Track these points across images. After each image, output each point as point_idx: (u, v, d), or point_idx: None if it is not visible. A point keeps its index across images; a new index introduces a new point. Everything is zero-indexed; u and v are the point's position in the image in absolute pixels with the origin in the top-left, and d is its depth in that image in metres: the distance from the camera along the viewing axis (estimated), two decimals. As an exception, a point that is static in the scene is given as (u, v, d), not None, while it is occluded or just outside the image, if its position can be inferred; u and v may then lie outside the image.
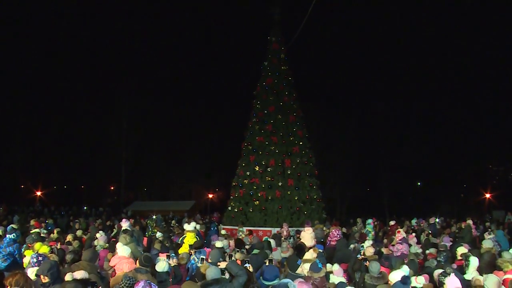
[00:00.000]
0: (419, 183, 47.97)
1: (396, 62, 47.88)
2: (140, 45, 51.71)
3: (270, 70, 19.88)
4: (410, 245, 10.60)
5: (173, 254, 8.47)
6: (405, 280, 5.86)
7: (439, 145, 41.59)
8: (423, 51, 48.38)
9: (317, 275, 6.38)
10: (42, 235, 11.42)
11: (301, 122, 19.74)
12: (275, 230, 15.53)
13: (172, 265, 7.80)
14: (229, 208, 19.04)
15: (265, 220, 17.35)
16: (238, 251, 9.21)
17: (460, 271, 7.19)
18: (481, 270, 7.56)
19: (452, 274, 6.15)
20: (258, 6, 49.34)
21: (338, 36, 51.36)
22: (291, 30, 21.15)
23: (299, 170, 18.36)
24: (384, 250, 10.21)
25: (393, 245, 10.67)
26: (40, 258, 6.44)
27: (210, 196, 42.72)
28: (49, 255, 7.71)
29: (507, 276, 6.49)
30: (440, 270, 6.99)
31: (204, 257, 7.86)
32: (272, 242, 10.55)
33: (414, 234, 12.80)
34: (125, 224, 11.71)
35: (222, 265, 6.35)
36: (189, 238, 10.32)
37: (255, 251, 9.03)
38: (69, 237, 11.35)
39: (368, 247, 9.07)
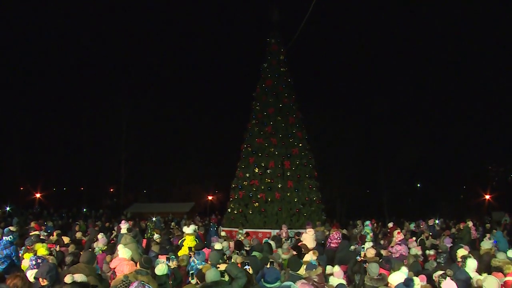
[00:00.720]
0: (418, 185, 47.98)
1: (396, 63, 47.93)
2: (139, 47, 51.69)
3: (269, 72, 19.88)
4: (409, 248, 10.58)
5: (173, 257, 8.46)
6: (408, 282, 5.84)
7: (438, 146, 41.62)
8: (423, 52, 48.50)
9: (314, 273, 6.38)
10: (41, 237, 11.40)
11: (301, 123, 19.74)
12: (274, 232, 15.51)
13: (172, 267, 7.79)
14: (229, 210, 19.02)
15: (264, 222, 17.33)
16: (237, 253, 9.20)
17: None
18: (480, 272, 7.56)
19: (448, 278, 6.14)
20: (257, 8, 49.36)
21: (337, 37, 51.47)
22: (290, 31, 21.15)
23: (299, 172, 18.35)
24: (383, 252, 10.20)
25: (392, 247, 10.66)
26: (39, 261, 6.41)
27: (210, 198, 42.70)
28: (48, 257, 7.69)
29: (508, 278, 6.48)
30: (440, 272, 6.99)
31: (203, 261, 7.84)
32: (272, 244, 10.54)
33: (414, 238, 12.77)
34: (124, 226, 11.70)
35: (222, 267, 6.33)
36: (189, 241, 10.30)
37: (255, 253, 9.02)
38: (67, 239, 11.33)
39: (369, 249, 9.06)
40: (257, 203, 17.71)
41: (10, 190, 37.10)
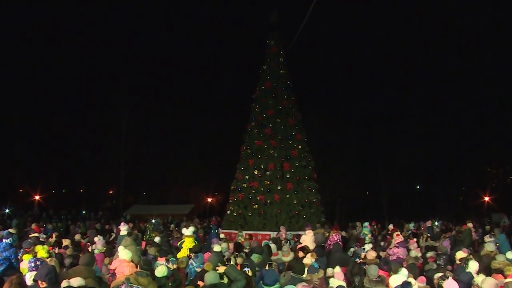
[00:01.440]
0: (418, 186, 48.00)
1: (395, 64, 47.89)
2: (139, 49, 51.66)
3: (269, 74, 19.89)
4: (409, 250, 10.57)
5: (173, 259, 8.46)
6: (406, 285, 5.84)
7: (437, 148, 41.62)
8: (422, 53, 48.44)
9: (315, 276, 6.39)
10: (41, 239, 11.40)
11: (300, 125, 19.74)
12: (274, 234, 15.49)
13: (172, 269, 7.79)
14: (228, 212, 19.01)
15: (264, 224, 17.32)
16: (237, 255, 9.19)
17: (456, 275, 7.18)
18: (480, 273, 7.55)
19: (450, 278, 6.14)
20: (257, 10, 49.40)
21: (337, 39, 51.43)
22: (290, 33, 21.17)
23: (298, 174, 18.35)
24: (382, 253, 10.20)
25: (390, 249, 10.65)
26: (38, 263, 6.42)
27: (209, 200, 42.68)
28: (48, 259, 7.69)
29: (509, 280, 6.48)
30: (440, 274, 6.99)
31: (201, 263, 7.84)
32: (272, 246, 10.52)
33: (415, 239, 12.76)
34: (123, 228, 11.69)
35: (221, 269, 6.34)
36: (188, 243, 10.29)
37: (255, 255, 9.01)
38: (66, 242, 11.32)
39: (369, 251, 9.06)
40: (256, 205, 17.70)
41: (9, 191, 37.06)
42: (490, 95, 43.10)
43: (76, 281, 5.44)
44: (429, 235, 14.81)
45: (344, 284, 7.21)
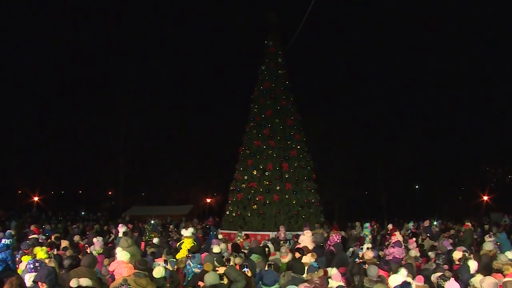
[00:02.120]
0: (417, 186, 48.04)
1: (394, 64, 48.01)
2: (137, 50, 51.68)
3: (267, 74, 19.91)
4: (409, 249, 10.58)
5: (172, 260, 8.45)
6: (406, 285, 5.85)
7: (436, 147, 41.67)
8: (421, 54, 48.49)
9: (316, 275, 6.39)
10: (40, 240, 11.36)
11: (299, 125, 19.76)
12: (273, 234, 15.51)
13: (170, 269, 7.79)
14: (227, 212, 19.02)
15: (263, 224, 17.32)
16: (236, 255, 9.19)
17: (456, 275, 7.19)
18: (479, 273, 7.56)
19: (452, 279, 6.16)
20: (255, 11, 49.45)
21: (335, 39, 51.51)
22: (288, 34, 21.21)
23: (297, 174, 18.36)
24: (381, 253, 10.21)
25: (387, 249, 10.66)
26: (36, 264, 6.40)
27: (208, 200, 42.66)
28: (47, 260, 7.67)
29: (507, 279, 6.49)
30: (439, 273, 7.00)
31: (199, 264, 7.84)
32: (271, 246, 10.52)
33: (414, 238, 12.77)
34: (122, 229, 11.68)
35: (221, 270, 6.34)
36: (187, 244, 10.28)
37: (254, 255, 9.01)
38: (65, 243, 11.30)
39: (367, 251, 9.07)
40: (255, 206, 17.71)
41: (8, 193, 37.01)
42: (489, 95, 43.23)
43: (85, 281, 5.44)
44: (428, 235, 14.83)
45: (343, 284, 7.23)
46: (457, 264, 8.32)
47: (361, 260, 8.56)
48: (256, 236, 15.85)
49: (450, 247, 11.13)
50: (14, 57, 40.68)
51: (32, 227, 15.38)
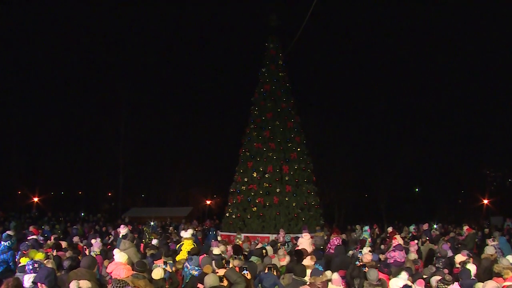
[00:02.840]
0: (417, 189, 47.99)
1: (393, 67, 48.07)
2: (137, 53, 51.71)
3: (268, 77, 19.94)
4: (408, 252, 10.55)
5: (171, 262, 8.43)
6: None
7: (436, 151, 41.65)
8: (420, 56, 48.64)
9: (319, 279, 6.37)
10: (39, 241, 11.35)
11: (299, 128, 19.77)
12: (273, 237, 15.50)
13: (169, 271, 7.77)
14: (227, 214, 19.01)
15: (263, 227, 17.32)
16: (236, 257, 9.17)
17: (456, 278, 7.18)
18: (479, 277, 7.55)
19: (456, 283, 6.13)
20: (256, 13, 49.49)
21: (335, 42, 51.60)
22: (289, 36, 21.25)
23: (297, 177, 18.36)
24: (381, 256, 10.18)
25: (388, 252, 10.64)
26: (36, 265, 6.38)
27: (208, 202, 42.60)
28: (46, 261, 7.65)
29: (507, 283, 6.48)
30: (439, 277, 6.98)
31: (197, 266, 7.82)
32: (270, 249, 10.50)
33: (416, 241, 12.73)
34: (123, 231, 11.65)
35: (221, 272, 6.32)
36: (187, 245, 10.26)
37: (253, 258, 9.00)
38: (64, 244, 11.28)
39: (366, 254, 9.05)
40: (255, 208, 17.71)
41: (8, 194, 36.98)
42: (489, 98, 43.27)
43: (85, 283, 5.43)
44: (427, 238, 14.80)
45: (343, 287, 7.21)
46: (457, 268, 8.30)
47: (361, 263, 8.53)
48: (255, 239, 15.83)
49: (449, 251, 11.11)
50: (14, 57, 40.75)
51: (31, 228, 15.36)
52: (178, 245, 10.98)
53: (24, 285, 5.81)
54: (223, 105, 46.91)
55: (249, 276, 6.81)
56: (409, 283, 6.36)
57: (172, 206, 39.06)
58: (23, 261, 7.98)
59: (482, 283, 6.21)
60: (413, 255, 10.55)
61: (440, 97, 45.19)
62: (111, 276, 7.01)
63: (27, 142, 39.07)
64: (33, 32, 43.91)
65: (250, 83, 22.26)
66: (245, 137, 19.66)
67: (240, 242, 13.19)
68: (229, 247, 11.01)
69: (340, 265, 8.96)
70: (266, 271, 7.23)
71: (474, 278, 7.10)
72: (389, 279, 6.88)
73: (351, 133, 39.01)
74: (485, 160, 43.44)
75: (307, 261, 8.35)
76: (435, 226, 20.25)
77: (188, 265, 8.14)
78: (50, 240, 12.67)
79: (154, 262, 8.65)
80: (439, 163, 42.00)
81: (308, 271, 6.73)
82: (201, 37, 57.48)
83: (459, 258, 8.59)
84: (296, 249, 10.48)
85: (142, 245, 13.15)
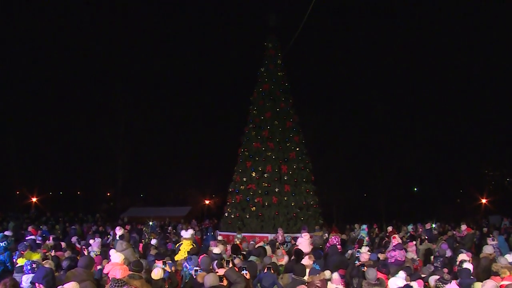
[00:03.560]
0: (415, 189, 48.06)
1: (392, 67, 48.02)
2: (136, 52, 51.69)
3: (266, 76, 19.93)
4: (407, 252, 10.56)
5: (170, 262, 8.42)
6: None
7: (435, 150, 41.72)
8: (420, 56, 48.58)
9: (317, 278, 6.38)
10: (37, 242, 11.32)
11: (298, 128, 19.78)
12: (271, 236, 15.50)
13: (169, 271, 7.76)
14: (226, 214, 19.00)
15: (261, 226, 17.32)
16: (235, 257, 9.17)
17: (455, 277, 7.18)
18: (478, 276, 7.56)
19: (453, 281, 6.14)
20: (254, 13, 49.50)
21: (334, 41, 51.59)
22: (287, 36, 21.26)
23: (296, 176, 18.35)
24: (380, 256, 10.19)
25: (388, 252, 10.64)
26: (34, 266, 6.37)
27: (207, 202, 42.58)
28: (44, 261, 7.64)
29: (505, 282, 6.49)
30: (437, 276, 6.99)
31: (197, 268, 7.81)
32: (268, 248, 10.51)
33: (414, 242, 12.75)
34: (119, 232, 11.64)
35: (220, 272, 6.32)
36: (186, 245, 10.25)
37: (252, 258, 8.99)
38: (64, 244, 11.27)
39: (363, 253, 9.06)
40: (254, 207, 17.71)
41: (6, 194, 36.91)
42: (488, 97, 43.29)
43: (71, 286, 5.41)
44: (426, 237, 14.82)
45: (341, 287, 7.21)
46: (457, 266, 8.30)
47: (360, 263, 8.54)
48: (253, 238, 15.84)
49: (448, 250, 11.12)
50: (13, 57, 40.66)
51: (30, 228, 15.34)
52: (177, 245, 10.98)
53: (22, 286, 5.79)
54: (221, 105, 46.90)
55: (248, 276, 6.81)
56: (408, 282, 6.35)
57: (171, 206, 39.02)
58: (21, 261, 7.97)
59: (481, 283, 6.22)
60: (411, 254, 10.56)
61: (439, 97, 45.24)
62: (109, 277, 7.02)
63: (25, 142, 38.99)
64: (33, 31, 43.83)
65: (249, 83, 22.28)
66: (244, 136, 19.65)
67: (239, 242, 13.19)
68: (228, 247, 11.01)
69: (338, 265, 8.96)
70: (266, 270, 7.23)
71: (472, 277, 7.11)
72: (388, 278, 6.88)
73: (350, 132, 39.04)
74: (484, 160, 43.57)
75: (306, 261, 8.36)
76: (434, 225, 20.30)
77: (187, 265, 8.14)
78: (49, 240, 12.65)
79: (156, 261, 8.65)
80: (438, 163, 42.07)
81: (307, 271, 6.73)
82: (200, 36, 57.45)
83: (462, 257, 8.58)
84: (295, 248, 10.49)
85: (141, 245, 13.15)
